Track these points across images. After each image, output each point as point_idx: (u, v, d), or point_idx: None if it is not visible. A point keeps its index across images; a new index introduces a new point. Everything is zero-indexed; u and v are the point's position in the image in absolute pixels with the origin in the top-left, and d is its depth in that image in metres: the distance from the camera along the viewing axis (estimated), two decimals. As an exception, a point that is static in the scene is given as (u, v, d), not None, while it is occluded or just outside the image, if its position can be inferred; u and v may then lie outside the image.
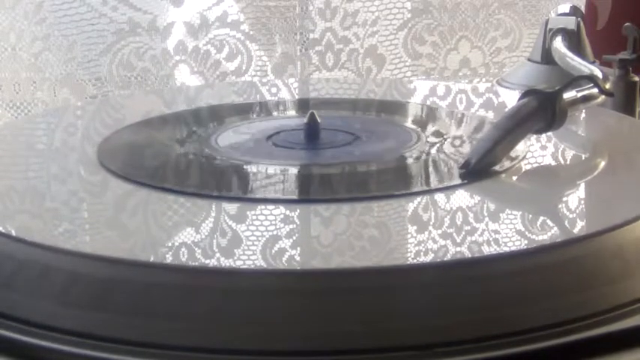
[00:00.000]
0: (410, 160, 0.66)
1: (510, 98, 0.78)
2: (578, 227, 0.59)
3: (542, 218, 0.58)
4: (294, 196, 0.63)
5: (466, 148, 0.67)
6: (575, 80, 0.69)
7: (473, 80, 1.25)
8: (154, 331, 0.49)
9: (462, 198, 0.61)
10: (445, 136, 0.71)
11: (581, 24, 0.89)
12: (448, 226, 0.57)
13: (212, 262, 0.53)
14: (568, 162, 0.70)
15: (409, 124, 0.74)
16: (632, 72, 0.83)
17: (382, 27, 1.21)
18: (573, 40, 0.87)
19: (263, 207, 0.59)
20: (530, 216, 0.58)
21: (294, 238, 0.57)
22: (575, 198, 0.63)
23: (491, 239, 0.55)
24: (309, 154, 0.68)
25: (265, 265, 0.53)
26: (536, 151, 0.67)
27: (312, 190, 0.65)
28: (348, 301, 0.49)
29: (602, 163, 0.66)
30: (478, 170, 0.61)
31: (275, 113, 0.80)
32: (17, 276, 0.53)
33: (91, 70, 1.09)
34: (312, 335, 0.48)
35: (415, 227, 0.58)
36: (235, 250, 0.55)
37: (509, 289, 0.50)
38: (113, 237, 0.57)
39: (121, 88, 1.10)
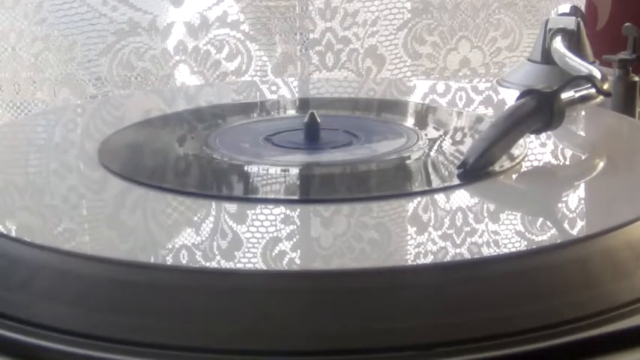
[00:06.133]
0: (409, 160, 0.66)
1: (510, 98, 0.78)
2: (578, 228, 0.59)
3: (541, 219, 0.58)
4: (294, 196, 0.63)
5: (465, 148, 0.67)
6: (573, 80, 0.69)
7: (473, 80, 1.25)
8: (154, 331, 0.49)
9: (461, 198, 0.61)
10: (445, 136, 0.71)
11: (581, 24, 0.89)
12: (447, 227, 0.56)
13: (212, 264, 0.53)
14: (567, 162, 0.70)
15: (409, 123, 0.74)
16: (632, 72, 0.83)
17: (382, 27, 1.21)
18: (573, 40, 0.88)
19: (263, 207, 0.59)
20: (530, 216, 0.58)
21: (295, 239, 0.57)
22: (574, 198, 0.63)
23: (490, 240, 0.55)
24: (309, 154, 0.68)
25: (265, 267, 0.53)
26: (535, 150, 0.67)
27: (312, 190, 0.65)
28: (348, 301, 0.49)
29: (602, 164, 0.66)
30: (475, 170, 0.61)
31: (275, 113, 0.80)
32: (17, 276, 0.53)
33: (91, 70, 1.10)
34: (312, 335, 0.48)
35: (414, 228, 0.58)
36: (235, 252, 0.55)
37: (508, 289, 0.50)
38: (113, 237, 0.57)
39: (121, 88, 1.10)
